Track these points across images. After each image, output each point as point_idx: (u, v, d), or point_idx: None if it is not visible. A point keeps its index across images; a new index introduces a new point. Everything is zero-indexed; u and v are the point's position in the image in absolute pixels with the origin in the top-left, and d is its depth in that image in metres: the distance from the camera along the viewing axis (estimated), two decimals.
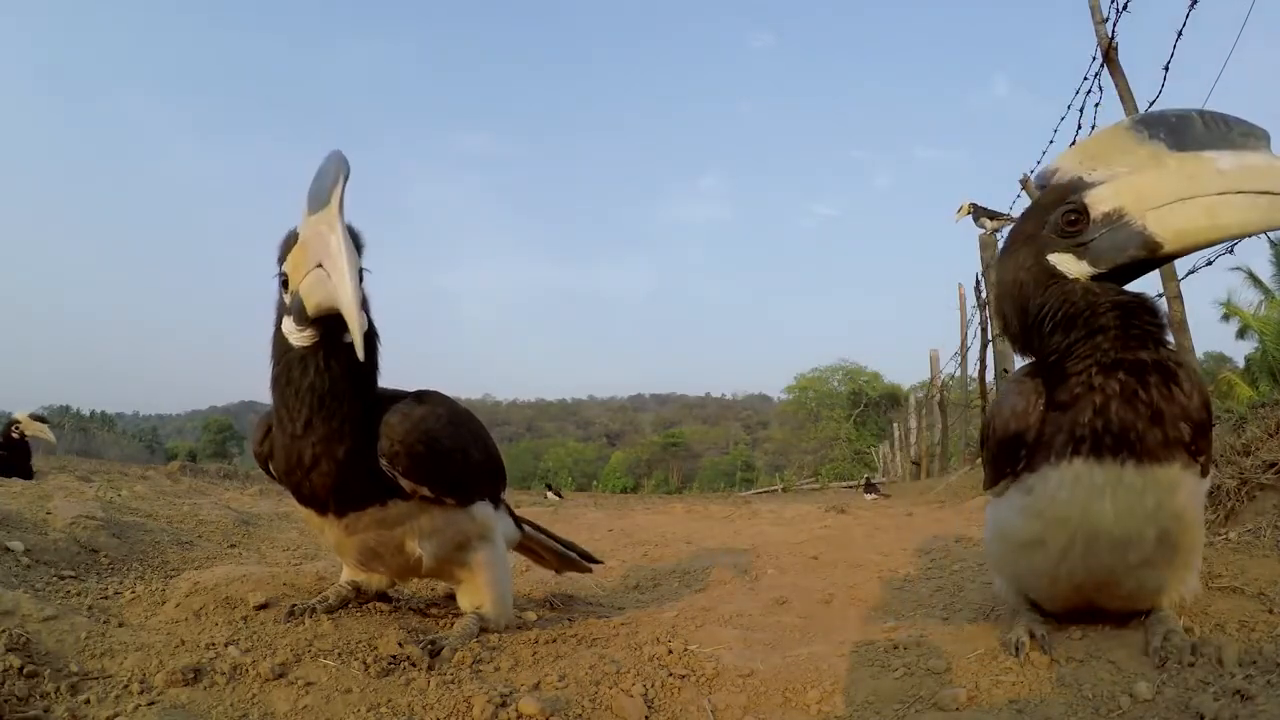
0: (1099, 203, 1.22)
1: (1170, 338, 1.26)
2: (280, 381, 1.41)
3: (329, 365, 1.38)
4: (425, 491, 1.48)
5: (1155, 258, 1.20)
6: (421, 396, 1.54)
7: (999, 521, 1.44)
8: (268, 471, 1.54)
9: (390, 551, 1.56)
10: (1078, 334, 1.22)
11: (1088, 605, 1.39)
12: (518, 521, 1.95)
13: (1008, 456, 1.32)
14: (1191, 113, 1.18)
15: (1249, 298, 16.21)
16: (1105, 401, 1.18)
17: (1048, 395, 1.26)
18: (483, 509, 1.66)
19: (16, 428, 5.58)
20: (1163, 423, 1.17)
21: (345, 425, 1.40)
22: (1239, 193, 1.10)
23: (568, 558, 2.15)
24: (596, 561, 2.28)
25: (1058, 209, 1.25)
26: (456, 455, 1.53)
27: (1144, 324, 1.22)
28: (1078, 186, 1.24)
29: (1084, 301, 1.22)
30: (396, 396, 1.52)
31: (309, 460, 1.41)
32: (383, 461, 1.43)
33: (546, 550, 2.11)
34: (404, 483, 1.45)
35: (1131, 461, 1.18)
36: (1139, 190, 1.18)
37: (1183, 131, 1.16)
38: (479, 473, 1.64)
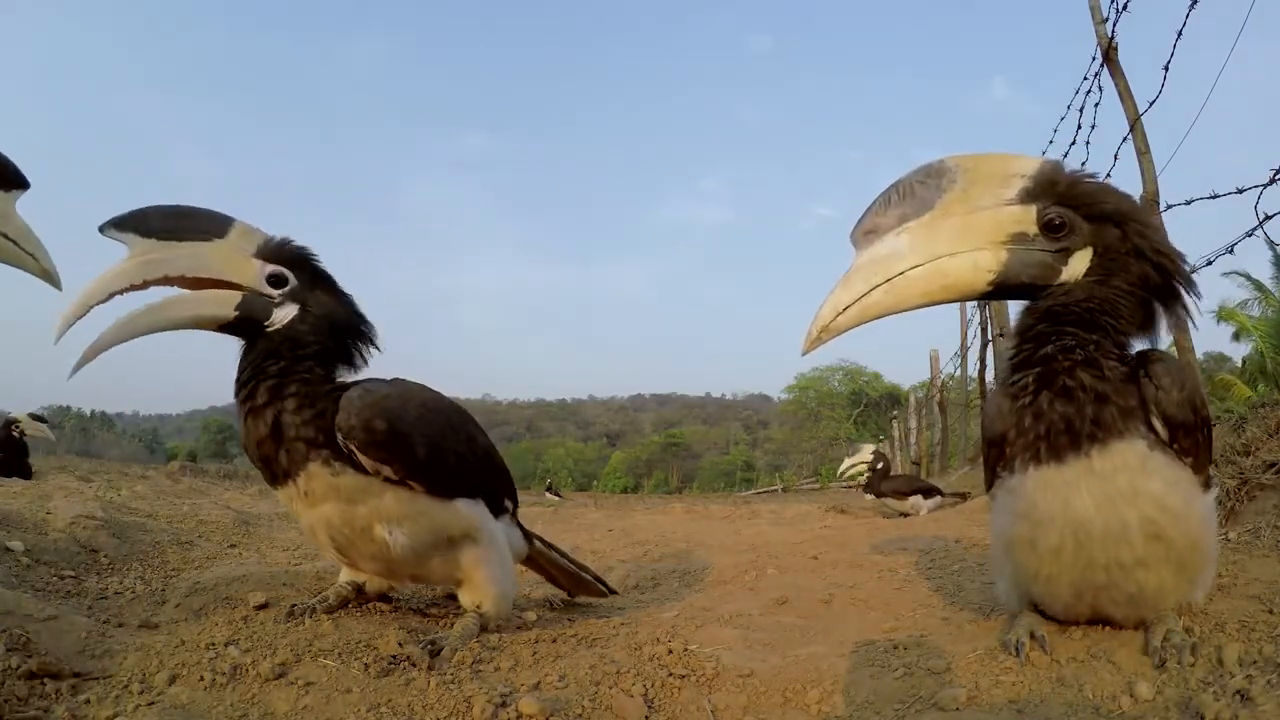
0: None
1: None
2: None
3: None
4: (388, 471, 1.46)
5: None
6: (395, 381, 1.54)
7: (996, 524, 1.45)
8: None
9: (358, 535, 1.52)
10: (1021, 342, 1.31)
11: (1092, 612, 1.37)
12: (528, 535, 1.92)
13: (995, 457, 1.37)
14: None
15: (1241, 295, 16.17)
16: (1046, 406, 1.24)
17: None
18: (470, 506, 1.61)
19: (16, 427, 5.72)
20: (1108, 401, 1.22)
21: (283, 384, 1.46)
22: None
23: (581, 580, 2.10)
24: (612, 591, 2.21)
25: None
26: (423, 440, 1.49)
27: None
28: None
29: (1024, 319, 1.32)
30: None
31: (254, 412, 1.46)
32: (339, 436, 1.42)
33: (558, 569, 2.06)
34: (362, 459, 1.44)
35: (1096, 447, 1.22)
36: None
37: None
38: (459, 466, 1.59)
